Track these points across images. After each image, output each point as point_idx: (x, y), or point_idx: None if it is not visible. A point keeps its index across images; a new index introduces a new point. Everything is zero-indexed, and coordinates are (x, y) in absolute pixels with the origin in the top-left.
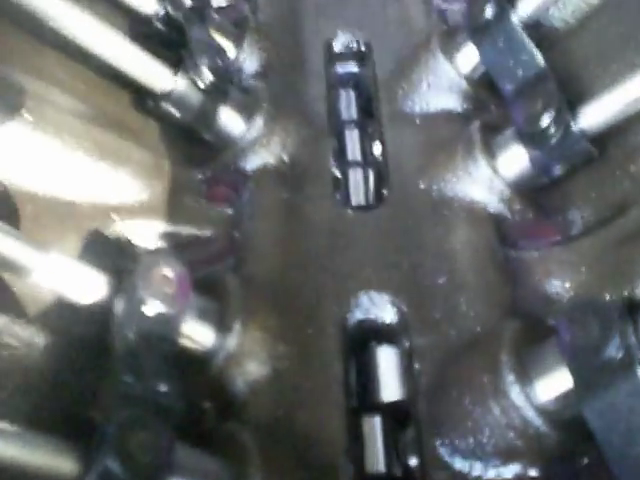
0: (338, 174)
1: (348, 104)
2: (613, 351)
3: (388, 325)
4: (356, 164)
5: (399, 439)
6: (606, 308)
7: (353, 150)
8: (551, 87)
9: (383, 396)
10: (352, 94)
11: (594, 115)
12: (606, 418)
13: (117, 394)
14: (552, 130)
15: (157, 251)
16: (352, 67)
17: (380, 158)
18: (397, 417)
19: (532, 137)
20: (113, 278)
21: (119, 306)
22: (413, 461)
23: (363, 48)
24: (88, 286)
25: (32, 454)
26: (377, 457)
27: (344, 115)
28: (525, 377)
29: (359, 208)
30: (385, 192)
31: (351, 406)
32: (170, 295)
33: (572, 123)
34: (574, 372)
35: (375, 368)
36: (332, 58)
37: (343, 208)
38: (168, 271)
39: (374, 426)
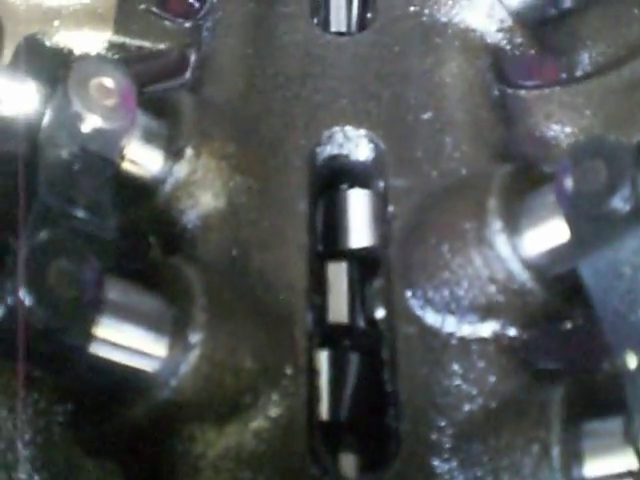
0: None
1: None
2: (621, 201)
3: (362, 163)
4: None
5: (366, 288)
6: (618, 150)
7: None
8: None
9: (351, 242)
10: None
11: None
12: (606, 277)
13: (34, 213)
14: None
15: (96, 57)
16: None
17: None
18: (366, 265)
19: None
20: (46, 87)
21: (49, 118)
22: (379, 312)
23: None
24: (14, 94)
25: None
26: (340, 306)
27: None
28: (513, 226)
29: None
30: (369, 16)
31: (315, 250)
32: (111, 108)
33: None
34: (571, 222)
35: (344, 211)
36: None
37: (319, 29)
38: (108, 80)
39: (339, 273)
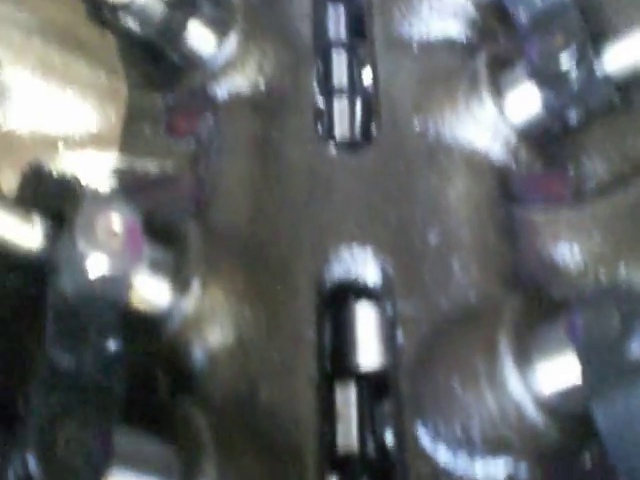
0: (321, 103)
1: (337, 21)
2: (636, 350)
3: (370, 285)
4: (342, 92)
5: (376, 412)
6: (630, 298)
7: (340, 75)
8: (573, 19)
9: (360, 361)
10: (342, 9)
11: (621, 56)
12: (619, 423)
13: (41, 376)
14: (571, 71)
15: (103, 194)
16: None
17: (370, 87)
18: (375, 387)
19: (547, 77)
20: (53, 223)
21: (57, 259)
22: (389, 439)
23: None
24: (22, 231)
25: None
26: (350, 432)
27: (331, 34)
28: (525, 362)
29: (343, 145)
30: (374, 129)
31: (323, 371)
32: (117, 250)
33: (595, 64)
34: (584, 366)
35: (353, 329)
36: None
37: (325, 146)
38: (115, 220)
39: (348, 396)
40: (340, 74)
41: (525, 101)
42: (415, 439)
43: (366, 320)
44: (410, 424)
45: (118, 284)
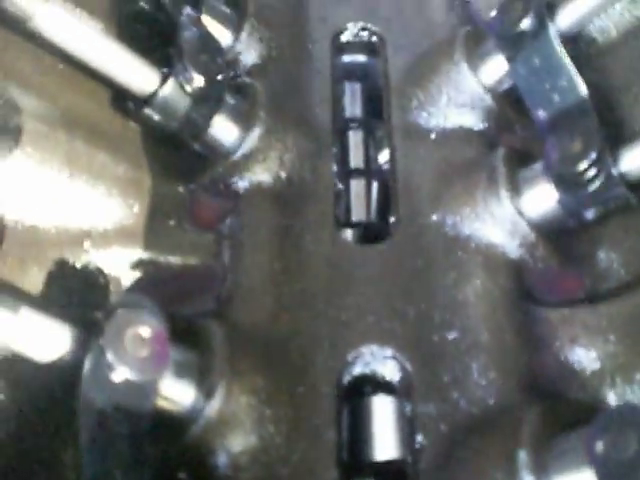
0: (339, 185)
1: (353, 99)
2: None
3: (389, 383)
4: (359, 173)
5: None
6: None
7: (356, 155)
8: (592, 124)
9: (377, 454)
10: (358, 88)
11: (637, 158)
12: None
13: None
14: (590, 175)
15: (132, 303)
16: (361, 58)
17: (386, 167)
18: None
19: (565, 178)
20: (81, 331)
21: (85, 366)
22: None
23: (374, 39)
24: (51, 341)
25: None
26: None
27: (348, 112)
28: (544, 477)
29: (362, 234)
30: (392, 218)
31: (341, 465)
32: (144, 359)
33: (612, 166)
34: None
35: (370, 423)
36: (339, 50)
37: (343, 235)
38: (144, 330)
39: None
40: (356, 153)
41: (542, 199)
42: None
43: (384, 414)
44: None
45: (145, 391)
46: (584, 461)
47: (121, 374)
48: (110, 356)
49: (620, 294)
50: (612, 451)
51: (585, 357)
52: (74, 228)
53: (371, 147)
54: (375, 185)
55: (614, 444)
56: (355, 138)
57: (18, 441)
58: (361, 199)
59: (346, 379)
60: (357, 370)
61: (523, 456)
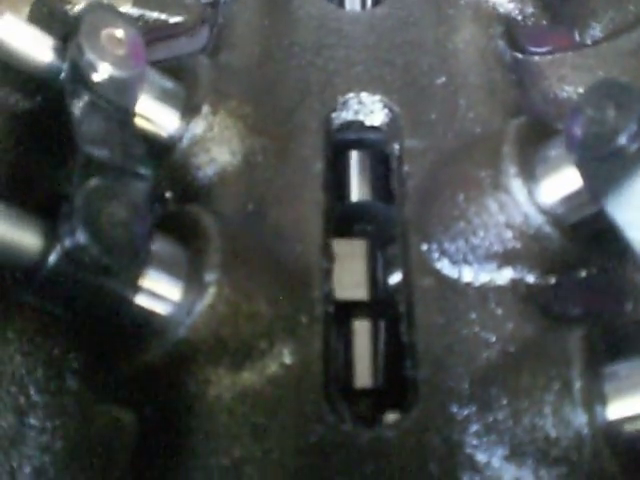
0: None
1: None
2: (628, 139)
3: (377, 128)
4: None
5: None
6: (626, 91)
7: None
8: None
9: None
10: None
11: None
12: (633, 209)
13: (79, 164)
14: None
15: (103, 7)
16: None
17: None
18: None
19: None
20: (60, 42)
21: (66, 71)
22: (396, 277)
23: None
24: (35, 47)
25: None
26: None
27: None
28: (529, 173)
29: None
30: None
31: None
32: (121, 57)
33: None
34: (582, 165)
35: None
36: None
37: (334, 6)
38: (117, 31)
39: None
40: None
41: None
42: (421, 261)
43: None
44: (416, 249)
45: (124, 88)
46: (568, 157)
47: (101, 70)
48: (88, 53)
49: (608, 38)
50: (590, 126)
51: (573, 92)
52: None
53: None
54: None
55: (592, 119)
56: None
57: (18, 155)
58: None
59: (336, 123)
60: (346, 116)
61: (508, 150)
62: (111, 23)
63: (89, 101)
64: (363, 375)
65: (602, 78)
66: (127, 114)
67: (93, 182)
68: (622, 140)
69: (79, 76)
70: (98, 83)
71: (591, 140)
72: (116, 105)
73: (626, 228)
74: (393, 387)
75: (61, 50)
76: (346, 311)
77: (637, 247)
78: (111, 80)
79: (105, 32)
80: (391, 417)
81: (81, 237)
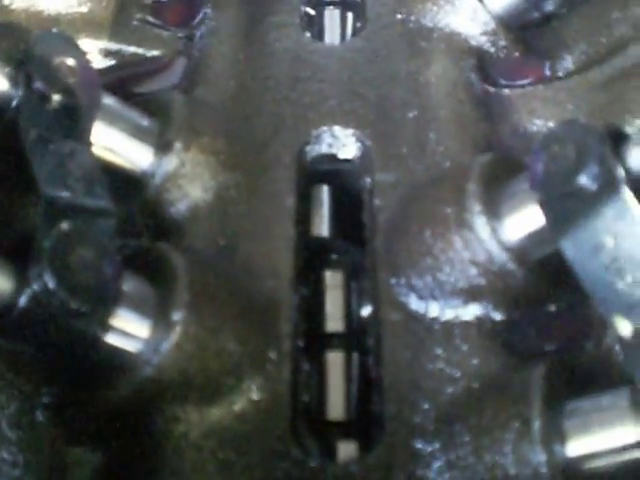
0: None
1: None
2: (589, 179)
3: (349, 162)
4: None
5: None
6: (586, 133)
7: None
8: None
9: None
10: None
11: None
12: (588, 250)
13: (42, 206)
14: None
15: (54, 36)
16: None
17: None
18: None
19: None
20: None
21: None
22: (367, 310)
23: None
24: None
25: None
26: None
27: None
28: (492, 211)
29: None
30: (359, 25)
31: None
32: (73, 85)
33: None
34: (544, 203)
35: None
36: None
37: (308, 37)
38: (68, 59)
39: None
40: None
41: None
42: (388, 289)
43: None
44: (384, 277)
45: (78, 116)
46: (531, 195)
47: (53, 99)
48: (38, 82)
49: (578, 72)
50: (551, 165)
51: (543, 126)
52: (44, 14)
53: None
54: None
55: (553, 159)
56: None
57: None
58: (335, 24)
59: (309, 156)
60: (319, 149)
61: (472, 188)
62: (63, 51)
63: (41, 134)
64: (335, 407)
65: (564, 121)
66: (83, 145)
67: (61, 226)
68: (582, 180)
69: (31, 106)
70: (50, 112)
71: (552, 178)
72: (69, 136)
73: (577, 267)
74: (364, 420)
75: (14, 78)
76: (320, 342)
77: (587, 287)
78: (63, 109)
79: (56, 60)
80: (349, 447)
81: (49, 281)
